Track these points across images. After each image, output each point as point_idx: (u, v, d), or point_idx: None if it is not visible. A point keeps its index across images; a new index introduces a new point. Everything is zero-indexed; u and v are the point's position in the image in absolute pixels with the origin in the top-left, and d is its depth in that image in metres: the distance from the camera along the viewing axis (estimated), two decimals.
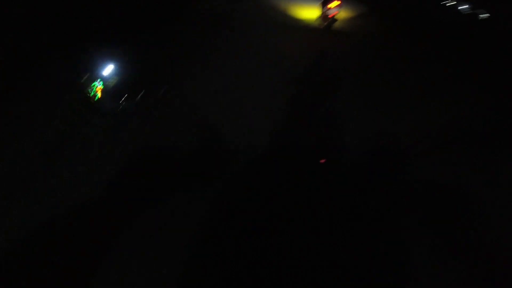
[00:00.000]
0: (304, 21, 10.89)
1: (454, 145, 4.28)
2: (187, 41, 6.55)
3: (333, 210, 2.17)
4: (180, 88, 4.56)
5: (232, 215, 2.57)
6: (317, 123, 4.04)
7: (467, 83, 6.01)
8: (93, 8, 5.49)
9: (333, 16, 8.89)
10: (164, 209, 2.92)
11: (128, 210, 2.63)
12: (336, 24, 9.03)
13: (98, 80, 6.26)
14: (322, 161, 2.77)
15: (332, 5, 8.69)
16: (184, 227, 2.61)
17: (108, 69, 5.00)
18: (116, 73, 4.82)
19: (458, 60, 7.50)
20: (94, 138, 3.58)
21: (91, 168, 3.21)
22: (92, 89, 5.42)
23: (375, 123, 4.17)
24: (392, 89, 5.29)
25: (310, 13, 12.01)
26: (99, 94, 6.24)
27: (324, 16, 9.13)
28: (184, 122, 3.68)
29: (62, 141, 3.52)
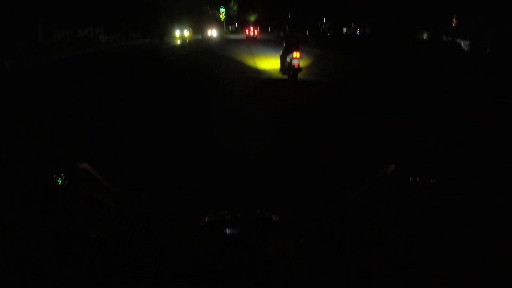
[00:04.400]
0: (269, 72, 11.49)
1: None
2: None
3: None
4: None
5: None
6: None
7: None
8: None
9: (298, 66, 9.54)
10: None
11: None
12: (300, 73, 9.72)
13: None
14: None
15: (295, 56, 9.35)
16: None
17: None
18: None
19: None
20: None
21: None
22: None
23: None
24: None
25: (271, 64, 12.80)
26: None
27: (288, 67, 9.75)
28: None
29: None
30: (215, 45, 23.80)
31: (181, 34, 30.32)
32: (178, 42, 27.03)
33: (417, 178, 0.85)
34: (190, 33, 31.25)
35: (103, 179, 0.84)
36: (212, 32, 36.25)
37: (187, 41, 27.83)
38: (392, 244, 0.72)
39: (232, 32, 47.68)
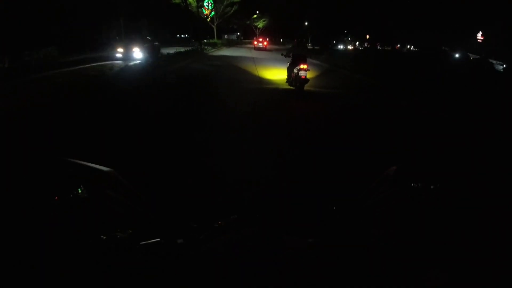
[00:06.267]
0: (276, 83, 11.59)
1: None
2: None
3: None
4: None
5: None
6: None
7: None
8: None
9: (305, 77, 9.62)
10: None
11: None
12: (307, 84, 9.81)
13: None
14: None
15: (302, 67, 9.45)
16: None
17: None
18: None
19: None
20: None
21: None
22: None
23: None
24: None
25: (277, 75, 12.89)
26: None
27: (295, 78, 9.83)
28: None
29: None
30: None
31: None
32: None
33: (419, 181, 0.86)
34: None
35: (129, 185, 0.86)
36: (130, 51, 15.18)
37: None
38: (396, 247, 0.74)
39: (231, 43, 26.94)
